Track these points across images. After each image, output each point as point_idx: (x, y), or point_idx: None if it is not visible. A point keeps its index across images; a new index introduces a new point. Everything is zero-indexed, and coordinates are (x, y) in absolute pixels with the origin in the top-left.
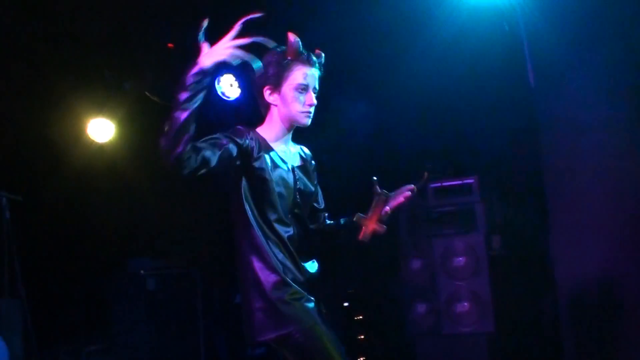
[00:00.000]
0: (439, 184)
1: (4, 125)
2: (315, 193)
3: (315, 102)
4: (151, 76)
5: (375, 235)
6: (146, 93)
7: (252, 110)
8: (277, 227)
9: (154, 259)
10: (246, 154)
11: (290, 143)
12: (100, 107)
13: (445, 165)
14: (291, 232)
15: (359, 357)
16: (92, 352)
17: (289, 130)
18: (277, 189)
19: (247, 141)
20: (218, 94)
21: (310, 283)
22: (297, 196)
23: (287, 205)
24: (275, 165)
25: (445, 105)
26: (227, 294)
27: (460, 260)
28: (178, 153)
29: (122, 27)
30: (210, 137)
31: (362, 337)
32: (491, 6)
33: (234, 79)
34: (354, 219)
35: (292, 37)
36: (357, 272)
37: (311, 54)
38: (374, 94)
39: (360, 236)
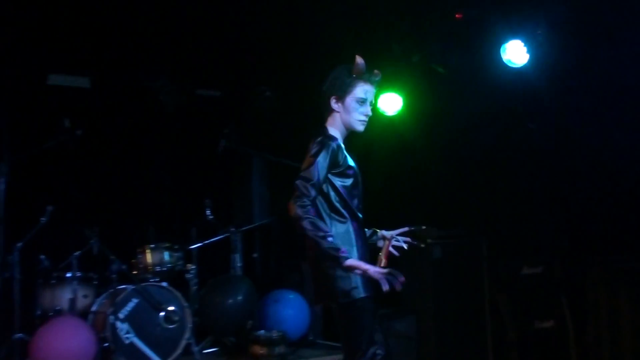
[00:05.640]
0: None
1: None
2: None
3: (370, 113)
4: (438, 47)
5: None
6: (432, 65)
7: (540, 76)
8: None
9: (439, 227)
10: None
11: None
12: (389, 81)
13: None
14: (362, 218)
15: None
16: (382, 315)
17: (348, 133)
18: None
19: (340, 158)
20: (503, 61)
21: None
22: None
23: (359, 196)
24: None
25: None
26: (514, 263)
27: None
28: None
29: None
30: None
31: None
32: None
33: (522, 45)
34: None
35: (359, 59)
36: None
37: (372, 74)
38: None
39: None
